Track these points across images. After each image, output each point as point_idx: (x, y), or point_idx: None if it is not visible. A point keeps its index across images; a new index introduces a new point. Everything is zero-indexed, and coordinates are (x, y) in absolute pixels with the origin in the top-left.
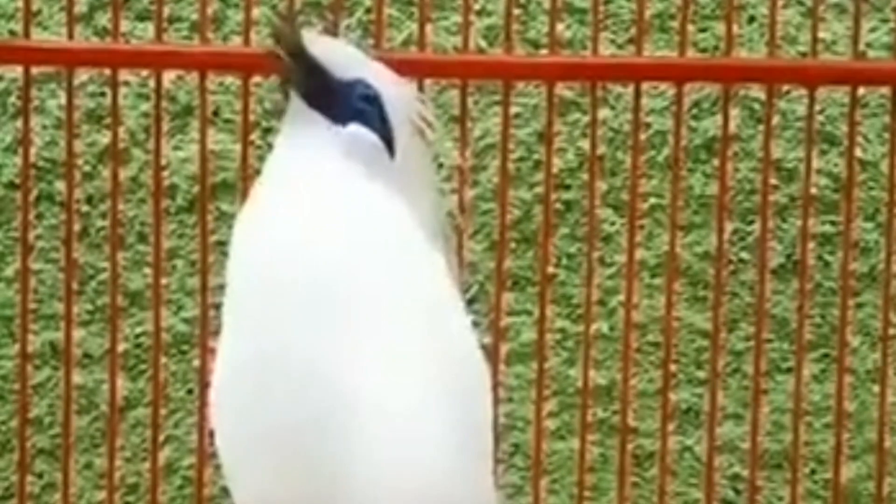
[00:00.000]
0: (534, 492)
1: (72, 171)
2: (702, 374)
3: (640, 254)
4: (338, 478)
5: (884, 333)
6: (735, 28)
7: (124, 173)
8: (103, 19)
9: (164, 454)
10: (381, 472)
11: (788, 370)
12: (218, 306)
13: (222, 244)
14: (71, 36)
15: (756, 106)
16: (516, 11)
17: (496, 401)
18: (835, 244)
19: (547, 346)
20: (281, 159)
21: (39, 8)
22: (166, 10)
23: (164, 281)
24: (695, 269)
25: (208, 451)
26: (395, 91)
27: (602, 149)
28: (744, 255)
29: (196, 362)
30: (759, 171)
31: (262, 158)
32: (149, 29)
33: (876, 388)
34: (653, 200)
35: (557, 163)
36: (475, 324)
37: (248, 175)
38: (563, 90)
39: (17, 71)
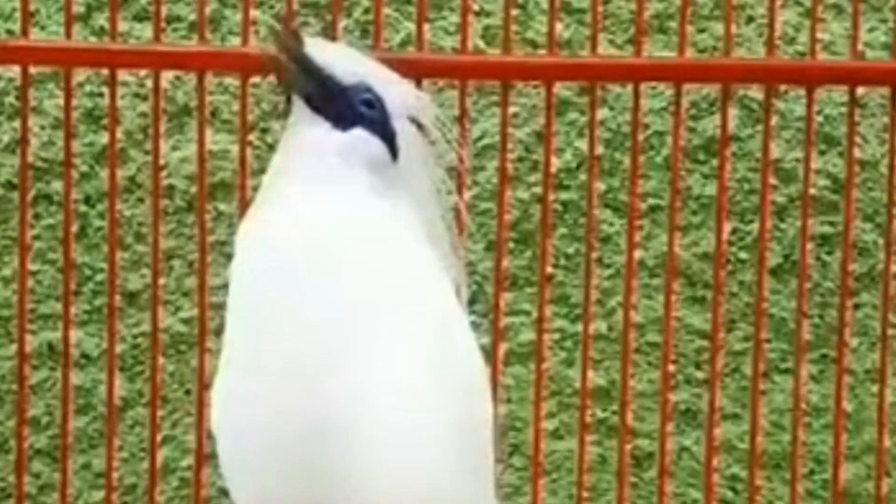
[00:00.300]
0: (532, 492)
1: (69, 171)
2: (700, 375)
3: (638, 254)
4: (338, 480)
5: (882, 334)
6: (734, 28)
7: (122, 173)
8: (101, 19)
9: (162, 454)
10: (382, 474)
11: (787, 370)
12: (216, 307)
13: (221, 244)
14: (69, 36)
15: (755, 106)
16: (514, 12)
17: (495, 401)
18: (833, 244)
19: (545, 346)
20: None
21: (37, 8)
22: (164, 11)
23: (162, 281)
24: (693, 269)
25: (206, 452)
26: (398, 94)
27: (601, 149)
28: (742, 255)
29: (194, 362)
30: (758, 171)
31: (260, 158)
32: (147, 29)
33: (875, 389)
34: (651, 201)
35: (556, 163)
36: (474, 324)
37: (246, 175)
38: (561, 90)
39: (14, 71)
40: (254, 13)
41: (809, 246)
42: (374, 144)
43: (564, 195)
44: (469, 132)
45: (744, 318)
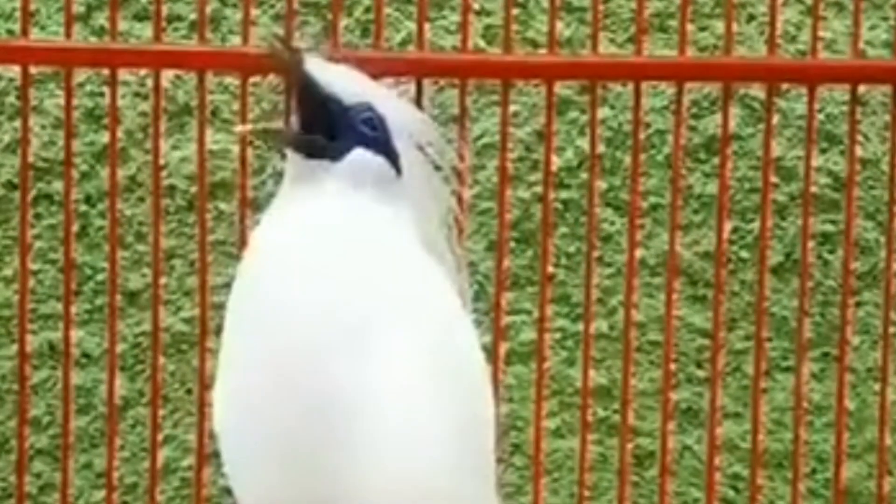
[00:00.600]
0: (533, 491)
1: (70, 170)
2: (702, 374)
3: (639, 253)
4: (341, 479)
5: (884, 332)
6: (735, 27)
7: (123, 173)
8: (101, 19)
9: (163, 454)
10: (384, 473)
11: (788, 369)
12: (217, 306)
13: (221, 244)
14: (69, 35)
15: (756, 104)
16: (515, 11)
17: (496, 400)
18: (835, 243)
19: (546, 345)
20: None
21: (37, 8)
22: (165, 10)
23: (162, 280)
24: (694, 267)
25: (207, 452)
26: (399, 112)
27: (601, 148)
28: (744, 253)
29: (195, 362)
30: (759, 169)
31: (260, 158)
32: (147, 28)
33: (876, 387)
34: (652, 199)
35: (557, 162)
36: (475, 323)
37: (246, 175)
38: (562, 89)
39: (14, 70)
40: (254, 13)
41: (811, 244)
42: (377, 162)
43: (565, 194)
44: (469, 131)
45: (745, 317)
